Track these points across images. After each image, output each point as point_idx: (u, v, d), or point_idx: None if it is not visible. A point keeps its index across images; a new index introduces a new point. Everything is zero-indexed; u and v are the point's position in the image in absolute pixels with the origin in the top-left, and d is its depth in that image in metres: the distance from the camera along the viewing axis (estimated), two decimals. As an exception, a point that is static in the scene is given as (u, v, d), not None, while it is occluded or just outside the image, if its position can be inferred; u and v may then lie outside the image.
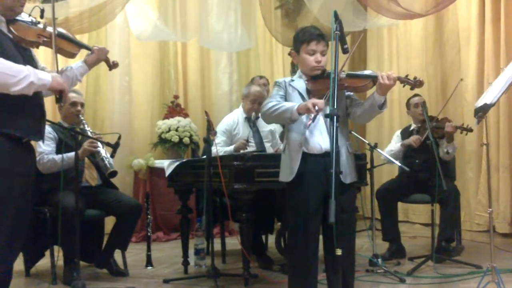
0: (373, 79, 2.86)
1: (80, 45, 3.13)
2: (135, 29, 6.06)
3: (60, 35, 2.97)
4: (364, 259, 4.35)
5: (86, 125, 4.18)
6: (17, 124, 2.61)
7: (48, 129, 4.21)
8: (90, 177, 4.31)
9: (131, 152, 6.41)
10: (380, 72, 2.85)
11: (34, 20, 2.87)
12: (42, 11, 2.89)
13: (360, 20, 5.81)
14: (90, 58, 3.16)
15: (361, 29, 5.81)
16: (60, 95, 2.69)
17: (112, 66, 3.29)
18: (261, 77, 5.74)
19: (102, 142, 4.07)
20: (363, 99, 2.99)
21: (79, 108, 4.28)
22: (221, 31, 6.36)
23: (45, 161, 4.11)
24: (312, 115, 2.77)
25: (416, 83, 2.91)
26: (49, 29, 2.88)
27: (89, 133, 4.10)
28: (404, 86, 2.95)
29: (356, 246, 3.14)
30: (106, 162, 4.03)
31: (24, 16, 2.82)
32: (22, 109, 2.62)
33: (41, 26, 2.86)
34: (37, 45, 2.85)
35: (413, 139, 4.75)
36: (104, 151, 4.10)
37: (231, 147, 4.48)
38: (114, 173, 4.05)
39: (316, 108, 2.68)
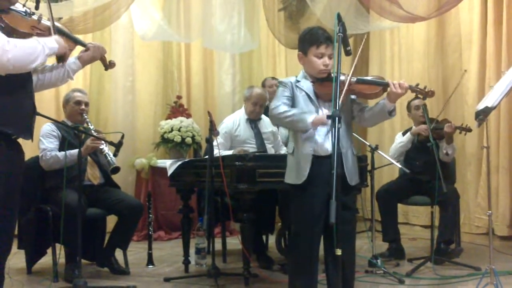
0: (384, 86, 2.88)
1: (76, 41, 2.99)
2: (139, 29, 6.08)
3: (56, 30, 2.80)
4: (364, 259, 4.37)
5: (90, 124, 4.20)
6: (8, 120, 2.52)
7: (51, 127, 4.24)
8: (93, 176, 4.33)
9: (134, 151, 6.44)
10: (391, 80, 2.87)
11: (28, 11, 2.74)
12: (37, 2, 2.76)
13: (363, 23, 5.83)
14: (85, 55, 3.00)
15: (363, 32, 5.84)
16: (62, 56, 2.76)
17: (108, 66, 3.15)
18: (273, 78, 5.80)
19: (105, 141, 4.09)
20: (365, 102, 3.02)
21: (83, 107, 4.30)
22: (225, 32, 6.38)
23: (48, 157, 4.13)
24: None
25: (428, 93, 2.94)
26: (44, 21, 2.76)
27: (92, 132, 4.12)
28: (416, 96, 2.99)
29: (356, 247, 3.17)
30: (109, 158, 4.04)
31: (18, 7, 2.70)
32: (13, 106, 2.54)
33: (35, 17, 2.74)
34: (29, 37, 2.68)
35: (423, 128, 4.74)
36: (107, 148, 4.10)
37: (230, 152, 4.48)
38: (117, 169, 4.05)
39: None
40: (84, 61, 3.02)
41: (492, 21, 5.81)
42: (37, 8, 2.77)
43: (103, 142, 4.07)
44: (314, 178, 2.84)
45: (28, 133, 2.68)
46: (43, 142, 4.18)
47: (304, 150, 2.87)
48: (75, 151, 3.85)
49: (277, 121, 3.00)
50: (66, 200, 3.80)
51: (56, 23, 2.86)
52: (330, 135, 2.83)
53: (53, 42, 2.66)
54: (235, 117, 4.81)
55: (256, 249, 4.49)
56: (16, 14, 2.66)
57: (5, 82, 2.47)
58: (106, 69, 3.20)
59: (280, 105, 2.91)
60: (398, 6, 5.14)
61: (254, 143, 4.68)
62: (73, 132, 4.08)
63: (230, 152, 4.42)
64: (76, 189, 3.77)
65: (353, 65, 2.93)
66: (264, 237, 4.92)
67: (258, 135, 4.72)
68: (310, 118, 2.81)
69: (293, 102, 2.95)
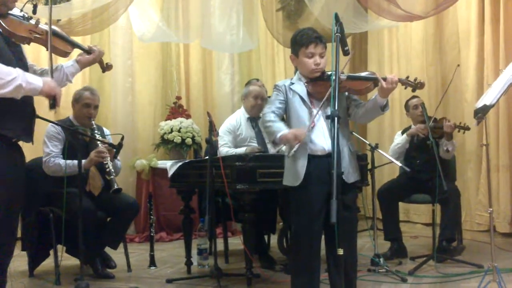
0: (374, 81, 2.90)
1: (74, 44, 3.01)
2: (138, 31, 6.08)
3: (54, 33, 2.83)
4: (366, 258, 4.37)
5: (95, 130, 4.14)
6: (8, 124, 2.52)
7: (57, 128, 4.15)
8: (94, 186, 4.21)
9: (134, 152, 6.44)
10: (381, 74, 2.89)
11: (26, 15, 2.76)
12: (35, 6, 2.80)
13: (361, 22, 5.84)
14: (85, 58, 3.05)
15: (361, 31, 5.85)
16: (53, 101, 2.59)
17: (106, 68, 3.21)
18: (257, 80, 5.78)
19: (105, 143, 4.07)
20: (363, 99, 3.03)
21: (91, 111, 4.22)
22: (223, 33, 6.39)
23: (51, 164, 4.09)
24: (315, 118, 2.83)
25: (418, 85, 2.95)
26: (42, 26, 2.78)
27: (96, 136, 4.07)
28: (406, 88, 2.99)
29: (358, 246, 3.17)
30: (113, 177, 3.99)
31: (16, 11, 2.71)
32: (13, 109, 2.54)
33: (33, 22, 2.75)
34: (28, 41, 2.74)
35: (419, 128, 4.75)
36: (110, 164, 4.03)
37: (242, 149, 4.46)
38: (118, 191, 4.02)
39: (297, 141, 2.73)
40: (83, 64, 3.05)
41: (490, 19, 5.82)
42: (34, 12, 2.81)
43: (108, 157, 4.01)
44: (311, 178, 2.84)
45: (29, 136, 2.69)
46: (47, 145, 4.11)
47: (300, 151, 2.86)
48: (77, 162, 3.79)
49: (261, 127, 3.04)
50: (78, 205, 3.62)
51: (54, 27, 2.88)
52: (324, 133, 2.87)
53: (38, 80, 2.53)
54: (236, 117, 4.80)
55: (258, 249, 4.50)
56: (14, 18, 2.68)
57: None
58: (103, 71, 3.25)
59: (268, 113, 2.94)
60: (396, 5, 5.15)
61: (255, 142, 4.67)
62: (73, 133, 3.99)
63: (242, 149, 4.42)
64: (84, 195, 3.76)
65: (345, 64, 2.92)
66: (266, 237, 4.92)
67: (259, 134, 4.71)
68: (280, 133, 2.81)
69: (287, 106, 2.97)
